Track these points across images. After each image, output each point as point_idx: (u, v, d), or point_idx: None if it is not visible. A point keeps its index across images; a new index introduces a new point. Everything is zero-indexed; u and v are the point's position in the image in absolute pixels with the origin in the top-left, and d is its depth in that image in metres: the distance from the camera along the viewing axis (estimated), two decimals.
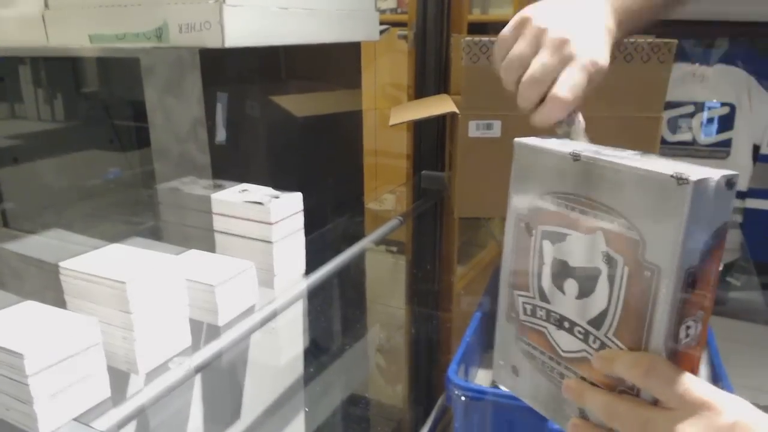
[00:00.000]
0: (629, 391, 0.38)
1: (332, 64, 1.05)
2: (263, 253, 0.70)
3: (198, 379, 0.70)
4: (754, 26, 1.55)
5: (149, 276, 0.54)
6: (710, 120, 1.66)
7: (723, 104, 1.63)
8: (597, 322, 0.40)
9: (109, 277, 0.53)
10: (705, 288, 0.36)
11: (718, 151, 1.66)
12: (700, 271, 0.35)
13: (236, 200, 0.70)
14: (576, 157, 0.39)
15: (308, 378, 0.92)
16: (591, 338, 0.40)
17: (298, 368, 0.91)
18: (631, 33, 0.57)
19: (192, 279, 0.61)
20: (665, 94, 0.91)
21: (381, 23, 1.03)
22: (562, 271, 0.42)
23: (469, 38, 0.92)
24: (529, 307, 0.45)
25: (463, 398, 0.68)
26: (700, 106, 1.65)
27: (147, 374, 0.55)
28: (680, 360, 0.37)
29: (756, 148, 1.64)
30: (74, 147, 0.98)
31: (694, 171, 0.34)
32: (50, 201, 0.95)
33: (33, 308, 0.52)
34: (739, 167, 1.60)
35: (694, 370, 0.37)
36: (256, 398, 0.81)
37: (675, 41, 0.87)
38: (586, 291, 0.40)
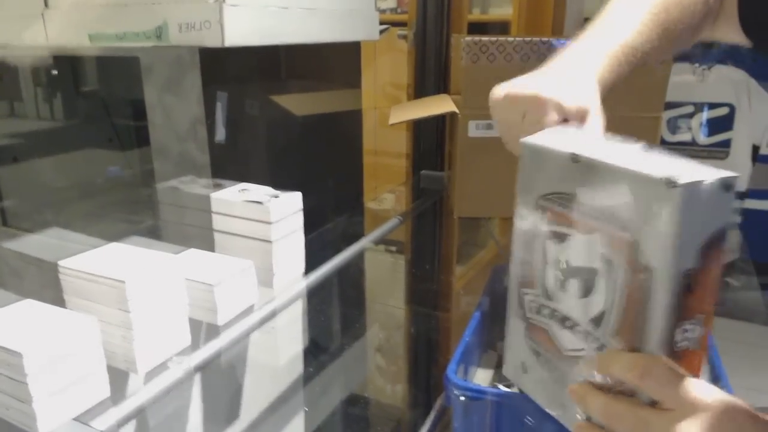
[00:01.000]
0: (629, 392, 0.38)
1: (332, 63, 1.04)
2: (263, 252, 0.70)
3: (197, 379, 0.70)
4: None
5: (149, 275, 0.54)
6: (709, 120, 1.66)
7: (722, 105, 1.63)
8: (597, 321, 0.40)
9: (109, 276, 0.53)
10: (704, 291, 0.35)
11: (717, 152, 1.66)
12: (698, 274, 0.35)
13: (236, 199, 0.70)
14: (576, 159, 0.39)
15: (307, 378, 0.92)
16: (591, 338, 0.40)
17: (298, 368, 0.91)
18: (646, 63, 0.57)
19: (191, 278, 0.61)
20: (665, 94, 0.91)
21: (381, 23, 1.03)
22: (565, 270, 0.42)
23: (469, 38, 0.92)
24: (534, 305, 0.46)
25: (462, 398, 0.68)
26: (699, 107, 1.65)
27: (146, 373, 0.55)
28: (680, 362, 0.37)
29: (755, 149, 1.64)
30: (73, 146, 0.98)
31: (690, 172, 0.33)
32: (49, 200, 0.95)
33: (32, 307, 0.52)
34: (738, 168, 1.60)
35: (695, 373, 0.37)
36: (255, 398, 0.81)
37: None
38: (586, 290, 0.40)
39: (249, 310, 0.66)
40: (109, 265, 0.55)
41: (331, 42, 0.87)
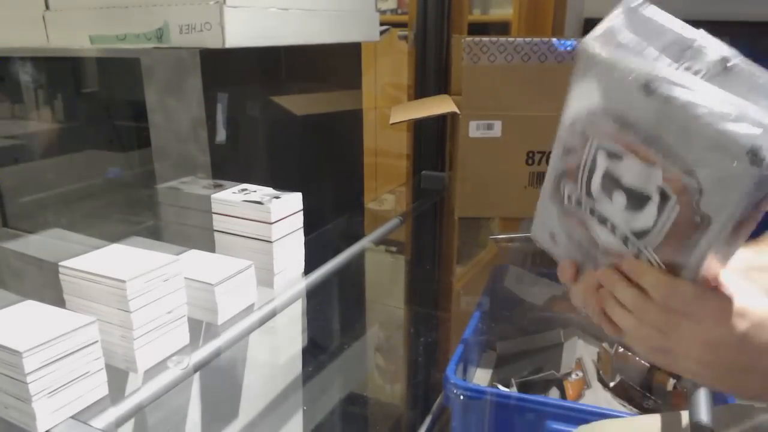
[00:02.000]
0: None
1: (332, 64, 1.05)
2: (263, 252, 0.70)
3: (197, 378, 0.70)
4: (754, 26, 1.54)
5: (148, 275, 0.55)
6: None
7: None
8: (640, 235, 0.40)
9: (109, 275, 0.53)
10: (746, 231, 0.37)
11: None
12: (746, 220, 0.36)
13: (236, 200, 0.71)
14: (649, 92, 0.37)
15: (307, 377, 0.92)
16: (630, 243, 0.41)
17: (297, 367, 0.91)
18: None
19: (191, 278, 0.61)
20: None
21: (381, 24, 1.03)
22: (614, 182, 0.41)
23: (469, 38, 0.92)
24: (574, 198, 0.45)
25: (461, 397, 0.68)
26: None
27: (145, 372, 0.56)
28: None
29: None
30: (74, 147, 0.98)
31: None
32: (50, 201, 0.95)
33: (32, 307, 0.52)
34: None
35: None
36: (254, 397, 0.81)
37: None
38: (634, 208, 0.40)
39: (249, 310, 0.66)
40: (110, 265, 0.55)
41: (332, 43, 0.87)
